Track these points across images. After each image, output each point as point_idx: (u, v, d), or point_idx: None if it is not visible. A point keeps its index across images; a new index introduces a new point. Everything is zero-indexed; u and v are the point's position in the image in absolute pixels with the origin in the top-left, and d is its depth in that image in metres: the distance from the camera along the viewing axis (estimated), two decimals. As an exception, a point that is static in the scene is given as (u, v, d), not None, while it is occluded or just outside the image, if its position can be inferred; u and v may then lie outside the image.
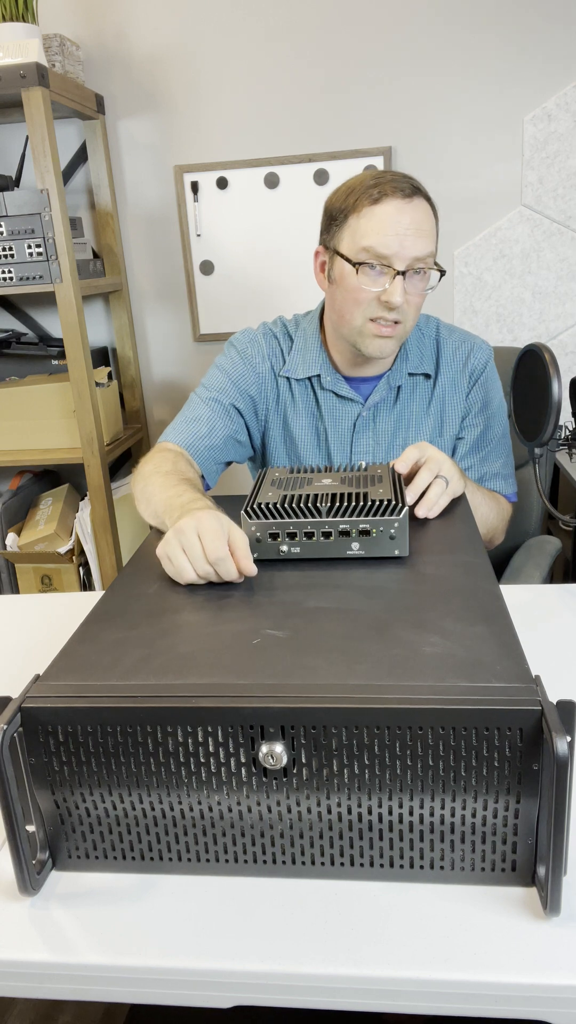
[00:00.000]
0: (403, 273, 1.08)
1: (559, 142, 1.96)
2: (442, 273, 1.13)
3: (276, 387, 1.27)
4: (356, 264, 1.09)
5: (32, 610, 1.11)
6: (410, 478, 0.98)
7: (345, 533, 0.80)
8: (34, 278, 1.81)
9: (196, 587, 0.77)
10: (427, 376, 1.25)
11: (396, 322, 1.12)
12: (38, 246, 1.79)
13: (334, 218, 1.13)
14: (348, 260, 1.10)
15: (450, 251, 2.09)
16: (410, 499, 0.93)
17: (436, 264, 1.12)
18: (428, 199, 1.10)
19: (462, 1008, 0.52)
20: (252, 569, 0.77)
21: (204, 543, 0.77)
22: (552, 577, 1.33)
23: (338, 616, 0.68)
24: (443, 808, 0.56)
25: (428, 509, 0.93)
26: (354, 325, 1.14)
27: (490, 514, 1.19)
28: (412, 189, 1.08)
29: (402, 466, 0.97)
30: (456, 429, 1.27)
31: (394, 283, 1.08)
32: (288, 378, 1.26)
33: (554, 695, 0.53)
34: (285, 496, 0.84)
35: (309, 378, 1.26)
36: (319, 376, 1.25)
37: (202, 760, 0.57)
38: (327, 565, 0.80)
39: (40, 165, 1.73)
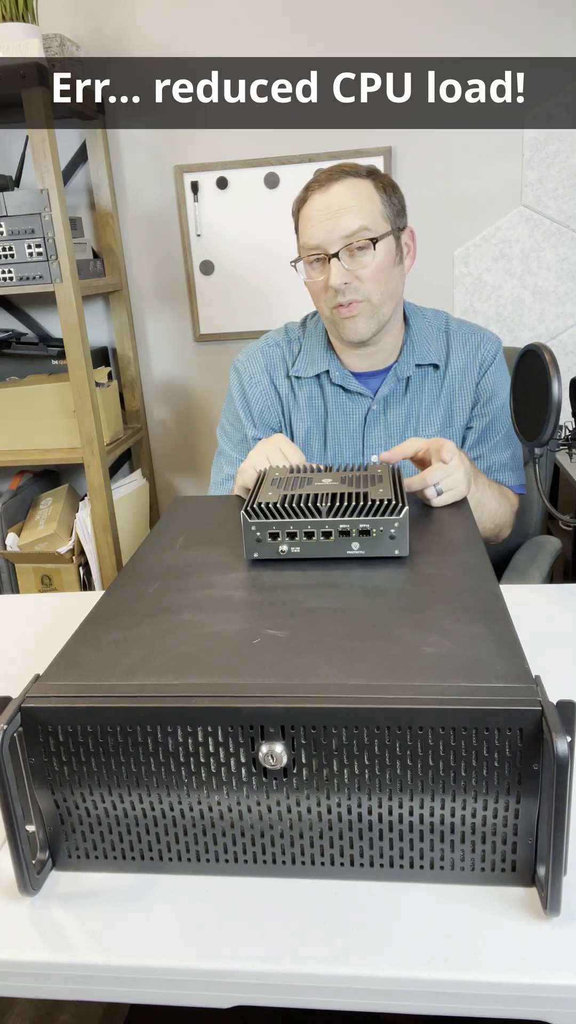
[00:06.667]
0: (337, 255, 1.14)
1: (559, 142, 1.96)
2: (394, 236, 1.18)
3: (278, 395, 1.30)
4: (298, 262, 1.20)
5: (32, 610, 1.11)
6: (420, 463, 1.01)
7: (345, 533, 0.80)
8: (34, 278, 1.81)
9: (196, 587, 0.77)
10: (436, 367, 1.26)
11: (356, 302, 1.16)
12: (38, 246, 1.79)
13: (296, 234, 1.24)
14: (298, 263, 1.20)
15: (450, 251, 2.09)
16: (417, 485, 0.95)
17: (370, 236, 1.14)
18: (363, 175, 1.15)
19: (462, 1008, 0.52)
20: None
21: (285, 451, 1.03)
22: (552, 577, 1.33)
23: (338, 616, 0.68)
24: (443, 808, 0.56)
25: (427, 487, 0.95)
26: (326, 316, 1.22)
27: (499, 510, 1.19)
28: (334, 175, 1.15)
29: (412, 447, 1.00)
30: (466, 419, 1.28)
31: (329, 267, 1.15)
32: (296, 378, 1.29)
33: (554, 695, 0.52)
34: (285, 496, 0.84)
35: (318, 376, 1.28)
36: (328, 372, 1.27)
37: (202, 760, 0.57)
38: (327, 565, 0.80)
39: (40, 165, 1.73)
